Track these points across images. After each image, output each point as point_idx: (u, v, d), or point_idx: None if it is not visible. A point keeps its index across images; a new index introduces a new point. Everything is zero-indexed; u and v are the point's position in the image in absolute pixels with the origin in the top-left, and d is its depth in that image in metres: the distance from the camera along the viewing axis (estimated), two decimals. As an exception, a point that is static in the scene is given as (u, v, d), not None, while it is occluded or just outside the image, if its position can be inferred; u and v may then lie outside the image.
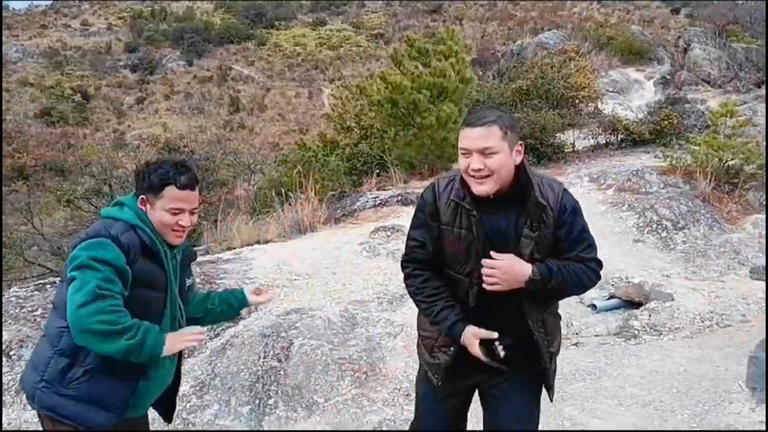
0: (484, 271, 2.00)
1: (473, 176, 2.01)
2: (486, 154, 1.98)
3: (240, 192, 11.60)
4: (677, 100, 12.94)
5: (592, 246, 2.15)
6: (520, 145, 2.04)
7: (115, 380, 2.05)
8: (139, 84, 51.60)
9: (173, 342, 2.06)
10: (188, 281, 2.32)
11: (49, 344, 2.08)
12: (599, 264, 2.15)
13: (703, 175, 7.98)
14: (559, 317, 2.28)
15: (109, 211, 2.16)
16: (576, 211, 2.12)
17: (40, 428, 2.17)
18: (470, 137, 2.01)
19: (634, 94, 17.98)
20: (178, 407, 3.94)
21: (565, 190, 2.14)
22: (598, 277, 2.16)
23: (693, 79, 16.68)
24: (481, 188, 2.01)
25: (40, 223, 9.18)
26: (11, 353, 4.20)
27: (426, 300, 2.15)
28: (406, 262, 2.23)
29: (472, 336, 2.04)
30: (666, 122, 10.15)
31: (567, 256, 2.10)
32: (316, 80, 51.60)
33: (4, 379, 3.98)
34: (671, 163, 8.44)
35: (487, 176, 1.99)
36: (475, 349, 2.03)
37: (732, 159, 8.28)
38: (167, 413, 2.38)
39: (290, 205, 7.94)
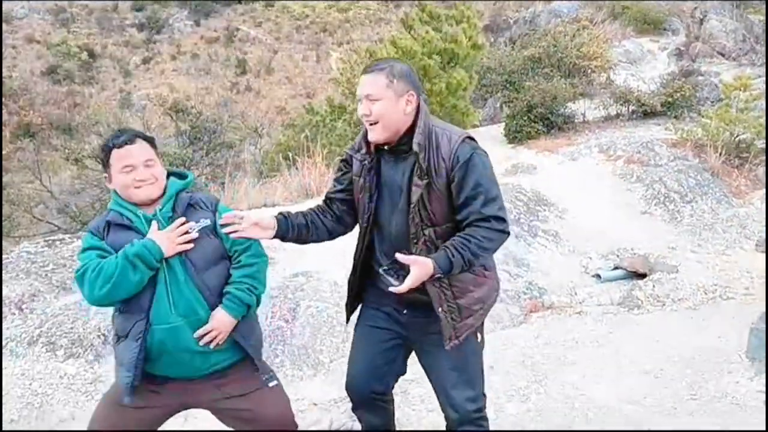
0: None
1: (365, 122, 2.10)
2: (370, 100, 2.05)
3: (247, 155, 11.61)
4: (690, 72, 12.76)
5: (491, 201, 2.05)
6: (411, 94, 2.06)
7: (128, 339, 2.11)
8: (146, 43, 51.10)
9: (166, 243, 2.08)
10: (197, 225, 2.15)
11: None
12: (500, 221, 2.05)
13: (713, 148, 7.92)
14: (473, 272, 2.17)
15: None
16: (471, 164, 2.04)
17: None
18: (360, 84, 2.11)
19: (647, 65, 17.71)
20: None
21: (464, 141, 2.07)
22: (503, 234, 2.08)
23: (708, 51, 16.38)
24: (371, 135, 2.09)
25: (48, 180, 9.23)
26: (23, 306, 4.29)
27: None
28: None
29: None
30: (678, 94, 10.00)
31: (463, 213, 2.05)
32: (324, 43, 50.97)
33: (18, 331, 4.07)
34: (681, 136, 8.37)
35: (375, 123, 2.06)
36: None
37: (743, 133, 8.20)
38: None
39: (297, 169, 7.94)
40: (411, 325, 2.25)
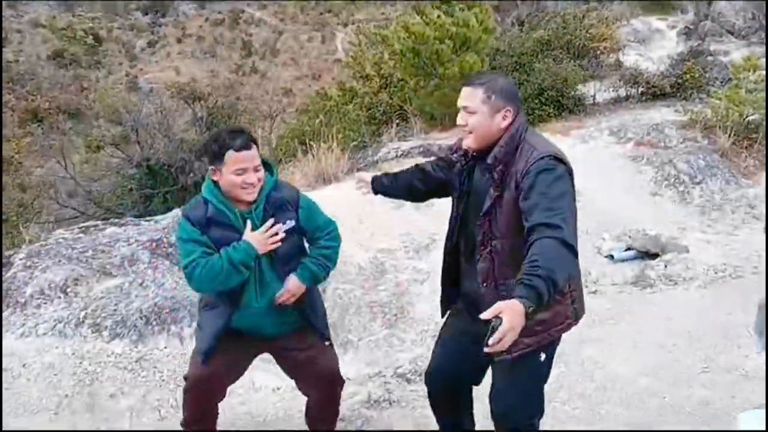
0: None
1: (463, 130, 2.23)
2: (467, 111, 2.17)
3: (260, 140, 11.79)
4: (700, 52, 12.80)
5: (552, 211, 1.97)
6: (508, 111, 2.15)
7: (215, 314, 2.46)
8: (151, 27, 51.11)
9: (260, 245, 2.38)
10: (284, 226, 2.45)
11: None
12: (557, 228, 1.95)
13: (722, 129, 8.06)
14: (557, 297, 2.11)
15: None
16: (540, 176, 2.03)
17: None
18: (460, 95, 2.23)
19: (656, 44, 17.72)
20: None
21: (543, 158, 2.06)
22: (568, 248, 1.95)
23: (717, 29, 16.38)
24: (465, 142, 2.24)
25: (71, 166, 9.46)
26: (68, 290, 4.53)
27: None
28: None
29: None
30: (688, 75, 10.12)
31: (529, 224, 2.00)
32: (329, 24, 50.80)
33: (64, 314, 4.32)
34: (691, 118, 8.51)
35: (470, 133, 2.18)
36: None
37: (752, 114, 8.33)
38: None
39: (313, 156, 8.11)
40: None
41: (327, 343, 2.68)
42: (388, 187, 2.64)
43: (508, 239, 2.13)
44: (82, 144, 11.87)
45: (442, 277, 2.50)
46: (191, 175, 8.88)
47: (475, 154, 2.25)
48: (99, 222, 6.06)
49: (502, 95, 2.15)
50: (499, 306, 1.83)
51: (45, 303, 4.45)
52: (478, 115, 2.15)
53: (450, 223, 2.40)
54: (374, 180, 2.66)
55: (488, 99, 2.14)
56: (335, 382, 2.69)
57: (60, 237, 5.48)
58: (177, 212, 6.77)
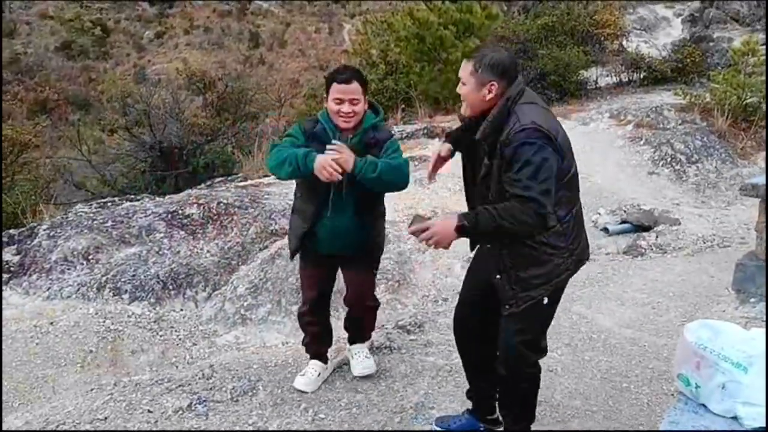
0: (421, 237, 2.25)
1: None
2: (461, 82, 2.39)
3: (269, 124, 12.04)
4: (702, 38, 12.94)
5: (527, 187, 2.13)
6: (493, 84, 2.27)
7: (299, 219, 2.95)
8: (159, 18, 51.40)
9: (319, 165, 2.64)
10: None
11: None
12: (536, 203, 2.13)
13: (720, 112, 8.24)
14: (535, 249, 2.30)
15: None
16: (521, 148, 2.15)
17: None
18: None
19: (661, 32, 17.80)
20: (236, 305, 4.57)
21: (523, 130, 2.17)
22: (537, 218, 2.14)
23: (721, 16, 16.44)
24: (462, 109, 2.46)
25: (85, 150, 9.74)
26: (89, 257, 4.81)
27: None
28: None
29: None
30: (688, 60, 10.29)
31: (509, 194, 2.19)
32: (337, 15, 50.91)
33: (87, 278, 4.59)
34: (690, 101, 8.69)
35: (464, 101, 2.41)
36: None
37: (750, 97, 8.49)
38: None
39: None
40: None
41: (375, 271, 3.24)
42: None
43: (495, 203, 2.24)
44: (89, 135, 12.11)
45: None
46: (202, 157, 9.15)
47: (473, 122, 2.44)
48: (115, 198, 6.36)
49: (487, 69, 2.28)
50: (433, 220, 2.26)
51: (69, 269, 4.73)
52: (467, 86, 2.35)
53: (464, 181, 2.62)
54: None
55: (475, 72, 2.30)
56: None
57: (80, 211, 5.79)
58: (189, 191, 7.06)
